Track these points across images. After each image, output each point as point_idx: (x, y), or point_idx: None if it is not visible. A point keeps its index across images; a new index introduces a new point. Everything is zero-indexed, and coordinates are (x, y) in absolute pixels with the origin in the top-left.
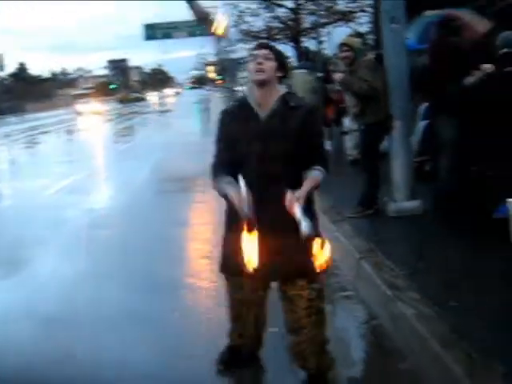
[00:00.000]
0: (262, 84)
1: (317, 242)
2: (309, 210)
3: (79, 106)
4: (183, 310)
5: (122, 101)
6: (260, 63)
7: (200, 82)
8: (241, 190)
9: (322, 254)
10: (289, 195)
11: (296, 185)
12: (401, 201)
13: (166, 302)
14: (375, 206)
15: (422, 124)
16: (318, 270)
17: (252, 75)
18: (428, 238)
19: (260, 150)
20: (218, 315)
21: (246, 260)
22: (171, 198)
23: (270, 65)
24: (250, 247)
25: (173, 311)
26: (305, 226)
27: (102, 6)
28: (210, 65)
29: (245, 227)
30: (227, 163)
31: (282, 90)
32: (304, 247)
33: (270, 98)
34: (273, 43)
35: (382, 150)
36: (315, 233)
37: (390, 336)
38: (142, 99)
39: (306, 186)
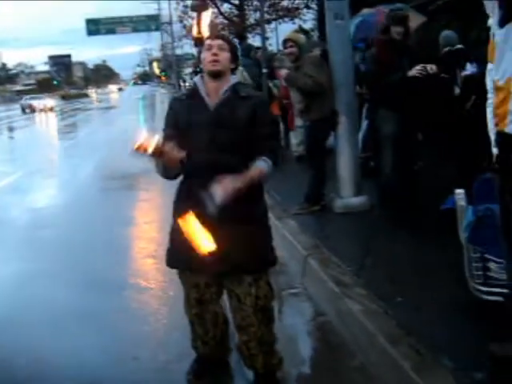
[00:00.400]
0: (216, 75)
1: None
2: (258, 200)
3: (25, 103)
4: (129, 311)
5: (64, 97)
6: (215, 54)
7: (144, 78)
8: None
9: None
10: (226, 180)
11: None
12: (347, 197)
13: (111, 302)
14: (321, 202)
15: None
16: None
17: (206, 66)
18: (375, 234)
19: (208, 139)
20: (164, 316)
21: (196, 245)
22: (115, 195)
23: (225, 56)
24: (195, 230)
25: (118, 312)
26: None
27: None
28: (154, 61)
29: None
30: None
31: (232, 80)
32: (252, 241)
33: (221, 88)
34: None
35: (328, 146)
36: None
37: (338, 333)
38: (86, 95)
39: (245, 176)
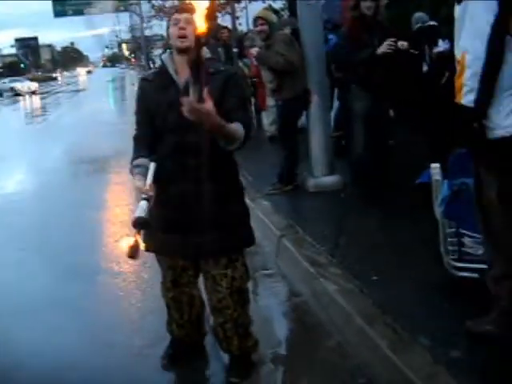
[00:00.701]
0: (184, 51)
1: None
2: (232, 179)
3: (4, 86)
4: (102, 296)
5: (32, 80)
6: (183, 28)
7: (114, 60)
8: (146, 182)
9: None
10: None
11: (215, 157)
12: (320, 176)
13: (84, 287)
14: (294, 182)
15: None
16: None
17: (174, 41)
18: (348, 213)
19: (177, 119)
20: (139, 300)
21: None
22: (85, 179)
23: (193, 29)
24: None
25: (91, 297)
26: (139, 208)
27: None
28: (123, 43)
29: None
30: (146, 136)
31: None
32: (226, 223)
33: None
34: None
35: (300, 125)
36: (143, 220)
37: (314, 313)
38: (54, 79)
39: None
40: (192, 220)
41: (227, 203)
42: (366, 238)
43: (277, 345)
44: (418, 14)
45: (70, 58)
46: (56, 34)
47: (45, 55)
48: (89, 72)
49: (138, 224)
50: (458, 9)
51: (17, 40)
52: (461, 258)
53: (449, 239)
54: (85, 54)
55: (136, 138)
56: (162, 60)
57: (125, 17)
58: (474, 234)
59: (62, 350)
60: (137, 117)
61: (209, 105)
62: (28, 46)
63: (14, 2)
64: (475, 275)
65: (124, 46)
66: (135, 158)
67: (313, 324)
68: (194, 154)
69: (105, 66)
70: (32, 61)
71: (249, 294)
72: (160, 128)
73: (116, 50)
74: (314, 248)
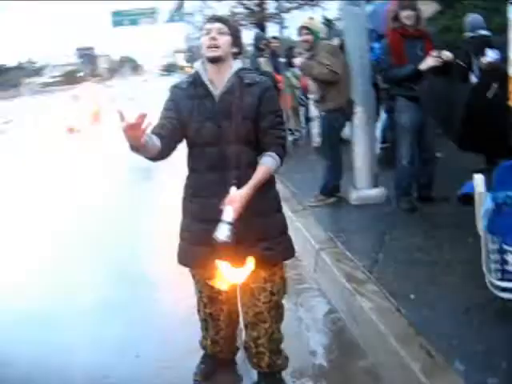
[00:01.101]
0: (215, 60)
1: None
2: (267, 195)
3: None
4: (145, 303)
5: None
6: (214, 38)
7: (169, 69)
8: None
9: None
10: (232, 193)
11: (250, 169)
12: (363, 189)
13: (130, 294)
14: (337, 194)
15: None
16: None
17: (205, 51)
18: (390, 227)
19: (214, 131)
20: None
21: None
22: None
23: (225, 40)
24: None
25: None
26: (222, 230)
27: None
28: (179, 52)
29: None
30: (164, 128)
31: (236, 65)
32: (266, 236)
33: (224, 74)
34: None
35: (345, 136)
36: (230, 241)
37: (348, 331)
38: (109, 87)
39: (251, 183)
40: (237, 233)
41: (267, 216)
42: (406, 255)
43: (308, 362)
44: (473, 17)
45: (127, 67)
46: (113, 44)
47: (102, 64)
48: (144, 81)
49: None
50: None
51: (77, 49)
52: (504, 277)
53: (491, 256)
54: (140, 63)
55: (156, 127)
56: (196, 70)
57: (180, 27)
58: None
59: (91, 358)
60: (162, 113)
61: (237, 199)
62: (87, 55)
63: (73, 12)
64: None
65: (179, 55)
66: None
67: (347, 342)
68: (233, 166)
69: (161, 74)
70: (90, 69)
71: (283, 310)
72: (194, 139)
73: (172, 59)
74: (352, 263)
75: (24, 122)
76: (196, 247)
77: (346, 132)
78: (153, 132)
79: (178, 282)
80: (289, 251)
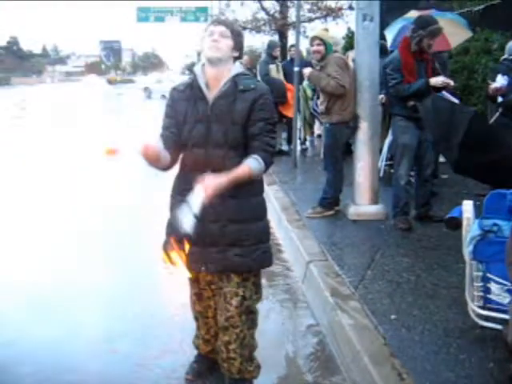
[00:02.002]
0: (215, 62)
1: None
2: (246, 203)
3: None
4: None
5: (110, 82)
6: (215, 40)
7: (190, 68)
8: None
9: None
10: (207, 178)
11: None
12: (362, 204)
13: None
14: (336, 207)
15: None
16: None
17: (206, 52)
18: (383, 245)
19: (205, 133)
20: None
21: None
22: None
23: (226, 43)
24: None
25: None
26: (188, 220)
27: None
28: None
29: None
30: (168, 139)
31: (234, 70)
32: (243, 241)
33: (221, 78)
34: (258, 34)
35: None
36: (189, 235)
37: (326, 345)
38: (131, 81)
39: (230, 175)
40: (210, 235)
41: (243, 222)
42: (394, 274)
43: (281, 372)
44: None
45: (150, 63)
46: (138, 39)
47: (126, 58)
48: (166, 78)
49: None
50: None
51: (101, 42)
52: (486, 306)
53: (475, 283)
54: (164, 60)
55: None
56: (194, 72)
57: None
58: (502, 281)
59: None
60: (164, 121)
61: (211, 186)
62: (111, 48)
63: (98, 5)
64: (499, 327)
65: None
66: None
67: (324, 356)
68: (217, 169)
69: (183, 73)
70: (113, 63)
71: (257, 316)
72: (185, 140)
73: (195, 59)
74: (338, 278)
75: (41, 109)
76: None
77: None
78: (162, 140)
79: (168, 283)
80: (264, 260)
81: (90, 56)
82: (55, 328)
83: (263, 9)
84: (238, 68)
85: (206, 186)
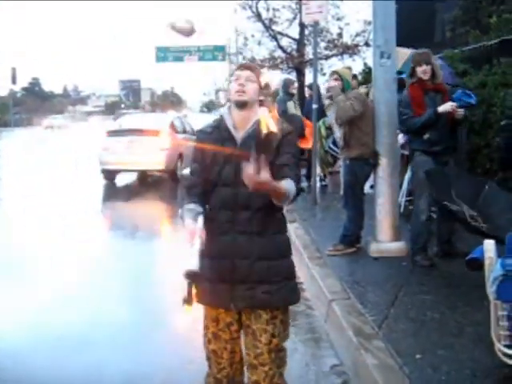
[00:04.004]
0: (242, 106)
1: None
2: (274, 240)
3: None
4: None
5: None
6: (242, 84)
7: (210, 106)
8: (196, 228)
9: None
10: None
11: (266, 214)
12: (383, 241)
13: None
14: (357, 244)
15: None
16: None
17: (233, 96)
18: (405, 283)
19: (232, 174)
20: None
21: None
22: None
23: (253, 87)
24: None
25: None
26: (194, 260)
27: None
28: (221, 91)
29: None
30: (199, 186)
31: (261, 112)
32: (272, 278)
33: (249, 120)
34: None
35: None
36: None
37: None
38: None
39: (278, 184)
40: (239, 272)
41: (270, 259)
42: (418, 313)
43: None
44: None
45: (169, 101)
46: (157, 78)
47: (145, 97)
48: (184, 116)
49: (188, 276)
50: None
51: (121, 81)
52: None
53: (500, 323)
54: (183, 99)
55: (189, 187)
56: (221, 114)
57: (222, 65)
58: None
59: None
60: (192, 166)
61: (265, 175)
62: (130, 87)
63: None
64: None
65: (221, 93)
66: (188, 202)
67: None
68: (245, 207)
69: (201, 111)
70: (132, 102)
71: (286, 354)
72: (214, 180)
73: (213, 97)
74: (362, 317)
75: (62, 149)
76: (209, 284)
77: (365, 187)
78: (193, 198)
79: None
80: (292, 297)
81: (109, 96)
82: (75, 372)
83: (280, 47)
84: (264, 111)
85: (250, 178)
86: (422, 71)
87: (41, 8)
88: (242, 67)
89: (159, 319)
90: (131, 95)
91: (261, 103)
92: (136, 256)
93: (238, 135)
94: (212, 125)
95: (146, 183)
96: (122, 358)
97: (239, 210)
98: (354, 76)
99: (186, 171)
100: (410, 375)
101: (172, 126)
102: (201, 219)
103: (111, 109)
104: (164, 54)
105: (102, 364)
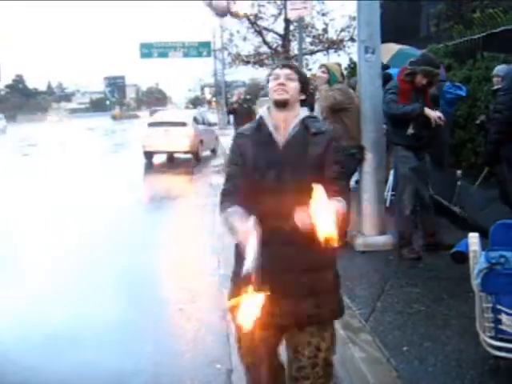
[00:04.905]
0: (282, 105)
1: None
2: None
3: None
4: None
5: (115, 117)
6: (282, 83)
7: (195, 102)
8: (249, 226)
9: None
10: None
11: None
12: (369, 235)
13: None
14: (344, 239)
15: None
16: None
17: (272, 95)
18: (392, 276)
19: (275, 179)
20: None
21: (240, 320)
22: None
23: (293, 86)
24: (249, 307)
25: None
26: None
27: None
28: (206, 87)
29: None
30: (238, 189)
31: (302, 113)
32: (319, 291)
33: (290, 121)
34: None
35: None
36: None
37: (340, 379)
38: (136, 117)
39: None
40: (282, 285)
41: (321, 270)
42: (404, 306)
43: None
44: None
45: (154, 98)
46: (141, 75)
47: (130, 94)
48: (203, 111)
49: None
50: None
51: (105, 78)
52: (497, 336)
53: (485, 314)
54: (168, 95)
55: (226, 192)
56: (260, 115)
57: (207, 61)
58: None
59: None
60: (230, 169)
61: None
62: (115, 84)
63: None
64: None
65: (206, 89)
66: (228, 206)
67: None
68: (288, 215)
69: (187, 107)
70: (117, 98)
71: (333, 369)
72: (257, 184)
73: (198, 92)
74: (349, 310)
75: (48, 146)
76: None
77: (351, 182)
78: (233, 201)
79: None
80: (338, 310)
81: (94, 92)
82: (64, 366)
83: (265, 43)
84: (305, 111)
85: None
86: (420, 82)
87: (24, 4)
88: (281, 65)
89: (148, 313)
90: (116, 92)
91: (302, 102)
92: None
93: (280, 138)
94: (251, 126)
95: (176, 161)
96: (111, 354)
97: (285, 219)
98: (342, 75)
99: (206, 153)
100: (397, 367)
101: (195, 118)
102: (253, 218)
103: (97, 106)
104: (149, 51)
105: (91, 362)
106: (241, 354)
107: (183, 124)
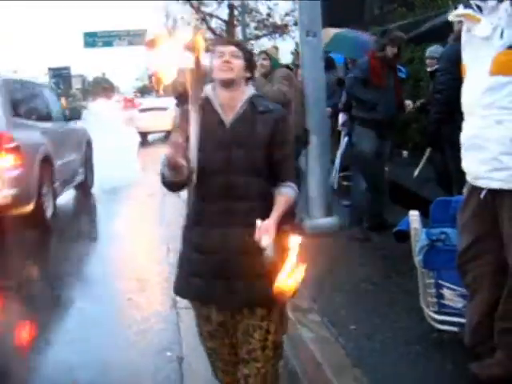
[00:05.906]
0: (228, 84)
1: (287, 266)
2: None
3: None
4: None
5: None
6: (227, 61)
7: (143, 91)
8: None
9: (288, 280)
10: (258, 226)
11: (261, 200)
12: (317, 217)
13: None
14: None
15: (345, 139)
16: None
17: (217, 73)
18: (340, 257)
19: (224, 159)
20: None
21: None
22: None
23: (238, 63)
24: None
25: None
26: (269, 252)
27: (44, 12)
28: (153, 75)
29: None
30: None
31: (248, 91)
32: (267, 273)
33: (237, 100)
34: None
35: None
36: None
37: (287, 359)
38: (84, 107)
39: (277, 212)
40: (234, 267)
41: None
42: (352, 285)
43: None
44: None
45: (101, 88)
46: (87, 65)
47: (76, 84)
48: (117, 102)
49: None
50: None
51: (50, 69)
52: (440, 311)
53: (428, 290)
54: (116, 84)
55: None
56: (205, 95)
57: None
58: (454, 287)
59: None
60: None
61: (270, 228)
62: (60, 75)
63: (46, 32)
64: (455, 329)
65: (154, 78)
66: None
67: (286, 371)
68: (241, 197)
69: (135, 96)
70: (63, 90)
71: (282, 351)
72: (203, 167)
73: (146, 81)
74: (298, 292)
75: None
76: (194, 278)
77: (301, 163)
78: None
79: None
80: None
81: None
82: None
83: (210, 29)
84: (252, 89)
85: (268, 231)
86: (392, 52)
87: None
88: (225, 42)
89: (96, 303)
90: (61, 83)
91: (247, 80)
92: None
93: (227, 118)
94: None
95: (163, 139)
96: (58, 345)
97: (235, 200)
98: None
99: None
100: (345, 345)
101: (176, 104)
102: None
103: None
104: (93, 40)
105: (36, 354)
106: (202, 339)
107: (165, 109)
